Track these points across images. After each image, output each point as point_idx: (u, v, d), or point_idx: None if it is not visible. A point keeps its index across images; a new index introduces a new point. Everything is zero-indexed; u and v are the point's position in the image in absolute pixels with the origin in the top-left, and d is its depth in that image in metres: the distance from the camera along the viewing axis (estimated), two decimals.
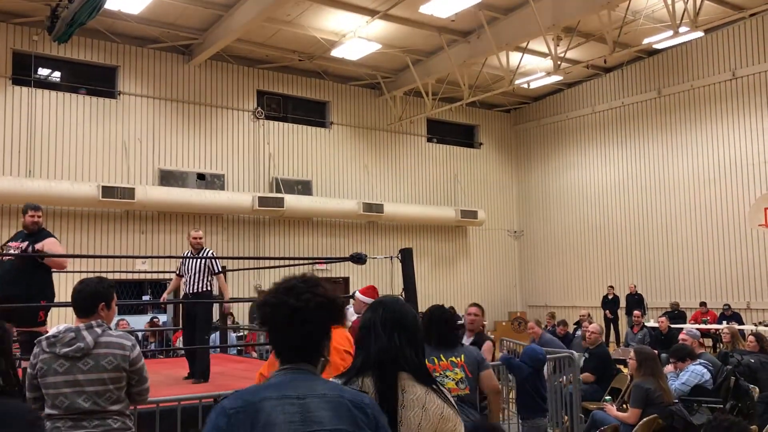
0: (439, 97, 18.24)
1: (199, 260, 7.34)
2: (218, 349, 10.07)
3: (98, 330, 3.33)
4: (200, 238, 7.60)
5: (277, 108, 18.12)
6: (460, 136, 21.97)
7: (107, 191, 14.47)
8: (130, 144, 15.64)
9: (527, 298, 22.01)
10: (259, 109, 17.58)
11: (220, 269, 7.51)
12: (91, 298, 3.40)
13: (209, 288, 7.37)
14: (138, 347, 3.43)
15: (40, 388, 3.26)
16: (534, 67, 17.29)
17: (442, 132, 21.31)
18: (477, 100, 19.26)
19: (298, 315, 1.77)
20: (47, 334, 3.44)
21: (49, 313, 6.42)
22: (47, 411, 3.25)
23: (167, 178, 15.95)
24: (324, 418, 1.69)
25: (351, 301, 6.06)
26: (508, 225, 22.41)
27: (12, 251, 6.08)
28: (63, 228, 14.56)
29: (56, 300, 13.18)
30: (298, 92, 18.42)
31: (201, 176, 16.47)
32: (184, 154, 16.39)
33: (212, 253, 7.64)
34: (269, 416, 1.66)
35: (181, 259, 7.74)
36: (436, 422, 2.00)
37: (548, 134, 21.82)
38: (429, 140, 20.90)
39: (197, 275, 7.36)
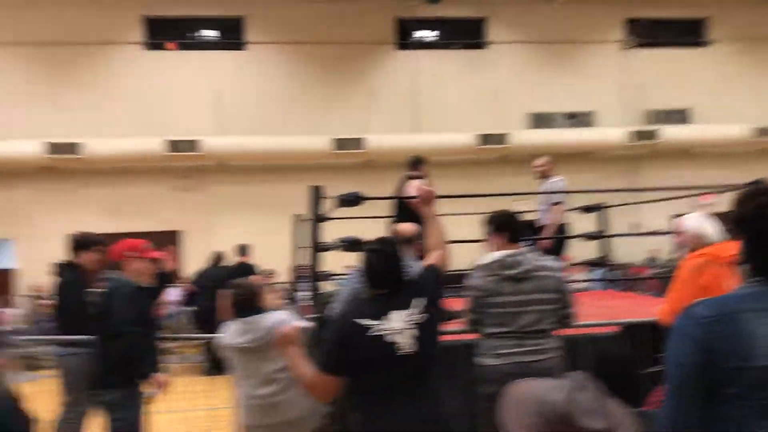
0: None
1: (542, 192, 7.10)
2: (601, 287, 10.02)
3: (530, 255, 3.70)
4: (540, 166, 7.20)
5: (647, 33, 16.88)
6: None
7: (483, 139, 15.31)
8: (500, 91, 16.22)
9: None
10: (628, 38, 16.60)
11: (558, 200, 6.94)
12: (520, 224, 3.88)
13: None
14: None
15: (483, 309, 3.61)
16: None
17: None
18: None
19: None
20: (489, 261, 3.62)
21: None
22: (488, 330, 3.57)
23: (537, 120, 16.19)
24: None
25: None
26: None
27: None
28: (444, 176, 15.80)
29: None
30: (670, 12, 16.86)
31: (571, 116, 16.34)
32: (552, 95, 16.38)
33: (558, 182, 7.06)
34: (750, 327, 1.58)
35: None
36: None
37: None
38: None
39: (542, 207, 7.10)
